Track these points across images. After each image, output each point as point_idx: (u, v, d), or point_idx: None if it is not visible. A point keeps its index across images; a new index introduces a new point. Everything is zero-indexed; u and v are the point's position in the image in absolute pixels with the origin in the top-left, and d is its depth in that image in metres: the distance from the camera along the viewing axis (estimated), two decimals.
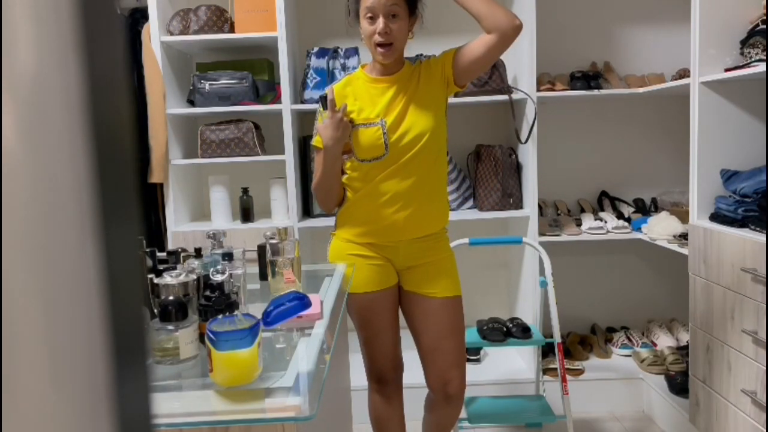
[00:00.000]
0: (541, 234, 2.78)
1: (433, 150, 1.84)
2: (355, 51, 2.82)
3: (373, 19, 1.72)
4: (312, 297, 1.55)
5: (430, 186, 1.85)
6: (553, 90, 2.79)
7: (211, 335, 1.11)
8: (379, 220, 1.84)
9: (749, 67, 2.03)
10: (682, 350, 2.75)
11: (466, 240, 2.47)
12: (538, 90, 2.73)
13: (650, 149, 3.12)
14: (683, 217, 2.58)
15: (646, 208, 3.06)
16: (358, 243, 1.89)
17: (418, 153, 1.80)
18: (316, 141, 1.87)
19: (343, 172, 1.90)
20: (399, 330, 1.99)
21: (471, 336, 2.49)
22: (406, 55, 1.89)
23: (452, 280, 1.89)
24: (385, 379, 1.99)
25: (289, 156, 2.71)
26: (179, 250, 1.70)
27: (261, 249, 1.93)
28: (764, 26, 2.08)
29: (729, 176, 2.18)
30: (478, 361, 2.96)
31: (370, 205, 1.84)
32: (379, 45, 1.74)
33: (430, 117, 1.81)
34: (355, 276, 1.86)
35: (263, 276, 1.96)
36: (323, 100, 1.80)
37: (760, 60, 2.04)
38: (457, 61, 1.79)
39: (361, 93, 1.84)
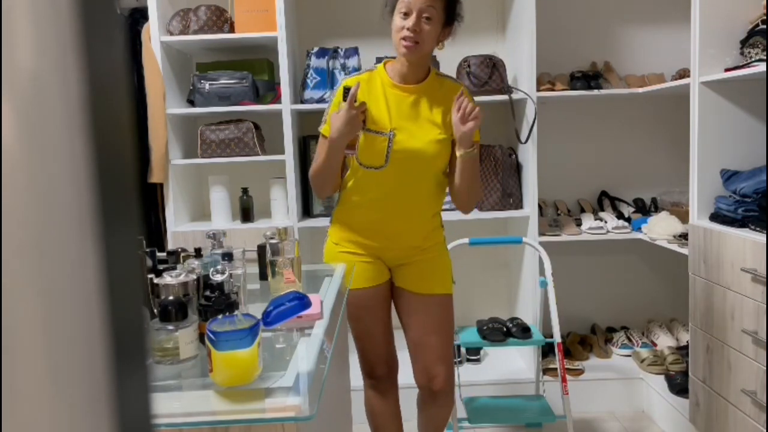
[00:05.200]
0: (541, 234, 2.78)
1: (436, 174, 1.86)
2: (355, 51, 2.82)
3: (407, 15, 1.72)
4: (312, 297, 1.55)
5: (424, 206, 1.87)
6: (553, 90, 2.79)
7: (211, 335, 1.11)
8: (370, 226, 1.86)
9: (749, 67, 2.03)
10: (682, 350, 2.75)
11: (466, 240, 2.47)
12: (538, 90, 2.73)
13: (650, 149, 3.12)
14: (683, 217, 2.58)
15: (646, 208, 3.06)
16: (350, 242, 1.91)
17: (419, 175, 1.82)
18: (324, 129, 1.86)
19: (344, 167, 1.89)
20: (391, 327, 2.00)
21: (471, 336, 2.49)
22: None
23: (442, 278, 1.90)
24: (377, 375, 2.00)
25: (289, 156, 2.71)
26: (179, 250, 1.70)
27: (261, 249, 1.93)
28: (764, 26, 2.08)
29: (729, 176, 2.18)
30: (478, 361, 2.96)
31: (362, 212, 1.86)
32: (405, 39, 1.72)
33: (441, 142, 1.81)
34: (349, 270, 1.89)
35: (263, 276, 1.96)
36: (347, 91, 1.75)
37: (760, 60, 2.04)
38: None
39: (379, 97, 1.82)
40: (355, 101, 1.73)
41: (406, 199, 1.83)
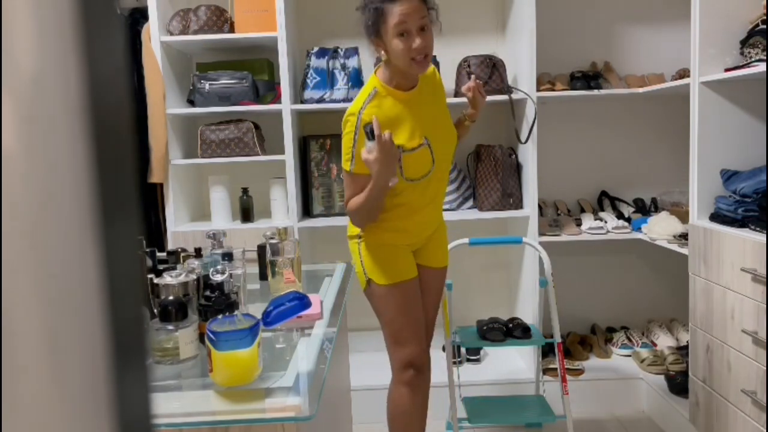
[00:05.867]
0: (541, 234, 2.78)
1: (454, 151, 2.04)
2: (355, 51, 2.82)
3: (403, 35, 1.74)
4: (312, 297, 1.55)
5: (446, 181, 2.04)
6: (553, 90, 2.79)
7: (211, 335, 1.11)
8: (410, 223, 1.95)
9: (749, 67, 2.03)
10: (682, 350, 2.75)
11: (466, 240, 2.47)
12: (538, 90, 2.73)
13: (650, 149, 3.12)
14: (683, 217, 2.58)
15: (646, 208, 3.06)
16: (389, 237, 1.96)
17: (449, 158, 1.99)
18: (357, 168, 1.83)
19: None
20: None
21: (471, 336, 2.49)
22: None
23: (445, 251, 2.11)
24: (417, 365, 1.96)
25: (289, 156, 2.71)
26: (179, 250, 1.70)
27: (261, 249, 1.93)
28: (764, 26, 2.08)
29: (729, 176, 2.18)
30: (478, 361, 2.96)
31: (404, 215, 1.93)
32: (416, 60, 1.76)
33: (452, 124, 1.99)
34: (396, 265, 1.95)
35: (263, 276, 1.96)
36: (369, 133, 1.73)
37: (760, 60, 2.04)
38: None
39: (399, 114, 1.85)
40: (381, 134, 1.72)
41: (439, 187, 1.98)
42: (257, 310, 1.45)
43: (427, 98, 1.92)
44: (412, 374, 1.95)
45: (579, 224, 2.90)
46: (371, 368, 2.73)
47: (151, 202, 2.87)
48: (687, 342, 2.55)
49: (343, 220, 2.80)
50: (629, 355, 2.96)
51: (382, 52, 1.82)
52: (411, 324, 1.95)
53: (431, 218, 2.00)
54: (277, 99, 2.80)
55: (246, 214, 2.82)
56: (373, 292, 1.96)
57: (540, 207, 2.93)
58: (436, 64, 2.80)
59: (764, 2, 2.13)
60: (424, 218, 1.97)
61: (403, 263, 1.96)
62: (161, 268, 1.51)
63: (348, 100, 2.69)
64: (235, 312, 1.18)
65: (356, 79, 2.78)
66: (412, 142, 1.84)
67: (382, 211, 1.88)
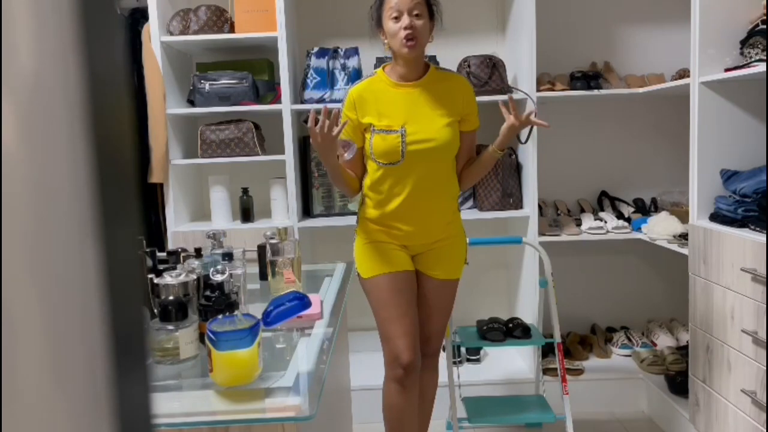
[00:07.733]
0: (541, 234, 2.78)
1: (451, 159, 1.98)
2: (355, 51, 2.82)
3: (398, 18, 1.84)
4: (312, 297, 1.55)
5: (443, 191, 1.97)
6: (553, 90, 2.79)
7: (211, 335, 1.11)
8: (394, 218, 1.94)
9: (749, 67, 2.03)
10: (682, 350, 2.75)
11: (465, 240, 2.47)
12: (538, 90, 2.73)
13: (650, 149, 3.12)
14: (683, 217, 2.58)
15: (646, 208, 3.06)
16: (377, 233, 1.98)
17: (435, 162, 1.92)
18: (343, 135, 1.97)
19: (364, 170, 2.01)
20: (417, 317, 2.01)
21: (471, 336, 2.49)
22: None
23: (455, 266, 2.04)
24: (403, 363, 1.93)
25: (289, 156, 2.71)
26: (179, 250, 1.70)
27: (261, 249, 1.93)
28: (764, 26, 2.08)
29: (729, 176, 2.18)
30: (478, 361, 2.96)
31: (386, 206, 1.94)
32: (406, 39, 1.83)
33: (450, 125, 1.92)
34: (379, 258, 1.95)
35: (263, 276, 1.96)
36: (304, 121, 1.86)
37: (760, 60, 2.04)
38: (462, 133, 1.99)
39: (383, 97, 1.93)
40: (314, 121, 1.81)
41: (426, 187, 1.92)
42: (257, 310, 1.45)
43: (432, 95, 1.92)
44: (400, 371, 1.95)
45: (579, 224, 2.90)
46: (371, 368, 2.72)
47: (151, 202, 2.87)
48: (687, 342, 2.55)
49: (343, 220, 2.80)
50: (629, 355, 2.96)
51: (384, 40, 1.91)
52: (396, 319, 1.94)
53: (423, 218, 1.94)
54: (277, 99, 2.80)
55: (246, 214, 2.82)
56: (361, 285, 2.01)
57: (540, 207, 2.93)
58: (437, 64, 2.80)
59: (764, 2, 2.13)
60: (411, 214, 1.92)
61: (388, 258, 1.95)
62: (161, 268, 1.51)
63: None
64: (235, 312, 1.19)
65: (356, 79, 2.78)
66: (383, 124, 1.89)
67: (366, 195, 1.98)
